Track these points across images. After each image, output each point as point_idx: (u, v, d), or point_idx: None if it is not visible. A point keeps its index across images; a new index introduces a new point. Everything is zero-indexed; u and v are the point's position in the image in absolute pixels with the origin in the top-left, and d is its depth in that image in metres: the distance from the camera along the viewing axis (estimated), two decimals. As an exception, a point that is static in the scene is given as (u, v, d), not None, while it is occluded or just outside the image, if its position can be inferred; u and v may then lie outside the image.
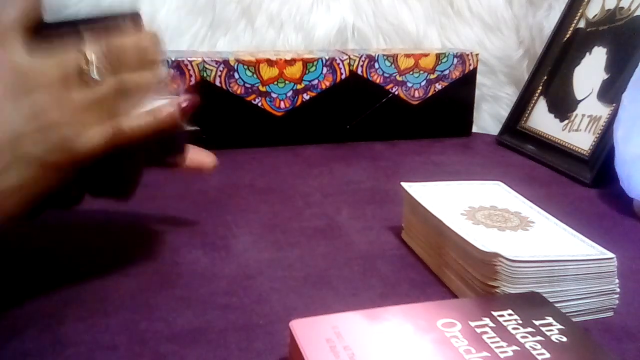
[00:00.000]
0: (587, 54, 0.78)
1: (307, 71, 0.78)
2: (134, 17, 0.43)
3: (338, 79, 0.80)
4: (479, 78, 0.88)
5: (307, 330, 0.34)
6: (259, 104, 0.77)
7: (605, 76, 0.74)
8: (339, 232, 0.55)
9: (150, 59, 0.41)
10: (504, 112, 0.91)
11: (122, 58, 0.39)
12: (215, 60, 0.74)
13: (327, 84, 0.79)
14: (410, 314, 0.36)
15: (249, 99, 0.77)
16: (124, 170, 0.45)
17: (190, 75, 0.73)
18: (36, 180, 0.37)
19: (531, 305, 0.38)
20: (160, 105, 0.42)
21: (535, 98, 0.83)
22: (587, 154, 0.71)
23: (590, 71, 0.76)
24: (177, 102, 0.43)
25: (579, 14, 0.82)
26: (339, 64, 0.79)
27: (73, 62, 0.38)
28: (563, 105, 0.78)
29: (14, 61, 0.36)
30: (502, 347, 0.33)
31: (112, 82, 0.39)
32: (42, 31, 0.39)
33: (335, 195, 0.64)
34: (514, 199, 0.52)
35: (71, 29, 0.39)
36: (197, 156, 0.51)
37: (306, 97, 0.79)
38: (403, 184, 0.52)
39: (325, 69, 0.79)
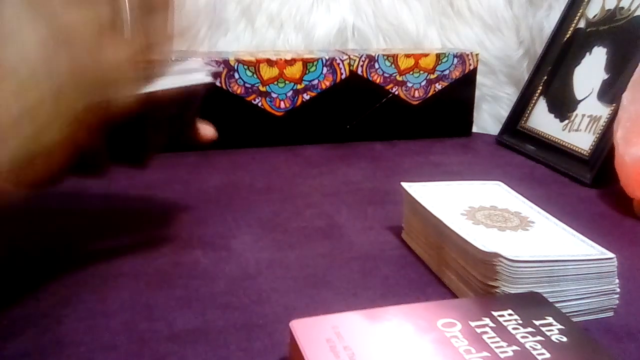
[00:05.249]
0: (587, 54, 0.78)
1: (307, 71, 0.78)
2: None
3: (338, 79, 0.79)
4: (479, 78, 0.88)
5: (307, 330, 0.34)
6: (259, 104, 0.77)
7: (605, 76, 0.73)
8: (339, 232, 0.55)
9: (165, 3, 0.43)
10: (504, 112, 0.91)
11: (148, 4, 0.40)
12: (216, 60, 0.74)
13: (327, 84, 0.79)
14: (410, 314, 0.36)
15: (249, 99, 0.77)
16: (147, 138, 0.45)
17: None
18: (72, 140, 0.36)
19: (531, 305, 0.38)
20: (190, 67, 0.43)
21: (535, 98, 0.83)
22: (587, 154, 0.71)
23: (590, 71, 0.76)
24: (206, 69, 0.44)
25: (579, 14, 0.82)
26: (339, 64, 0.79)
27: (106, 13, 0.37)
28: (563, 105, 0.78)
29: (52, 14, 0.35)
30: (502, 347, 0.33)
31: (143, 34, 0.39)
32: None
33: (335, 195, 0.64)
34: (514, 199, 0.52)
35: None
36: (200, 129, 0.51)
37: (306, 97, 0.79)
38: (403, 184, 0.52)
39: (325, 69, 0.79)
